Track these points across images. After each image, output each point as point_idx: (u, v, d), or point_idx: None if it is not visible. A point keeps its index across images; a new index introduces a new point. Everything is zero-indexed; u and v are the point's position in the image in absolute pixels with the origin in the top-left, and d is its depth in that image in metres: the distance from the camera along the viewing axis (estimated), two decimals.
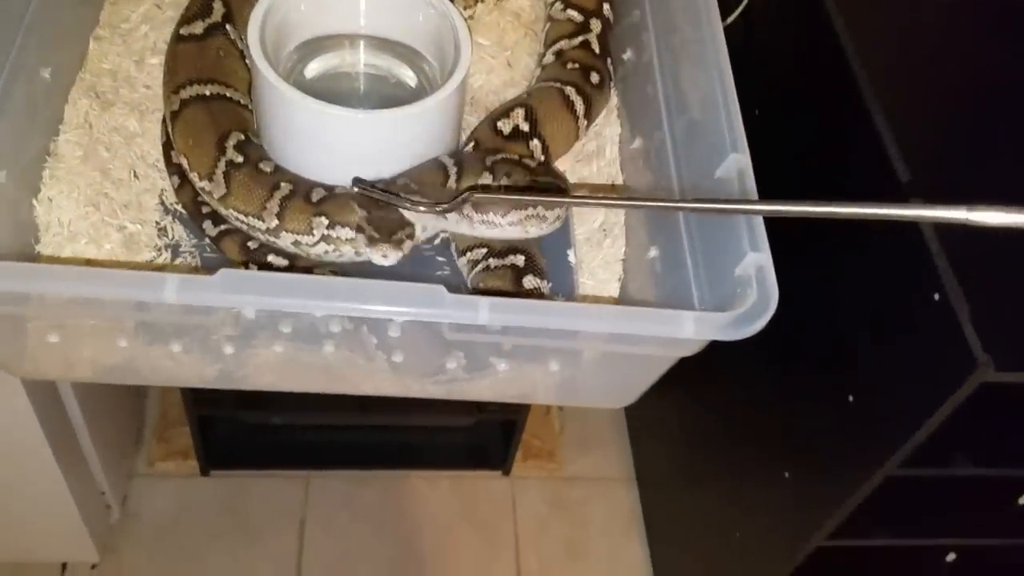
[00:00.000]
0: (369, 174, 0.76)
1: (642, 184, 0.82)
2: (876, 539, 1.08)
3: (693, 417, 1.48)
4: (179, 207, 0.80)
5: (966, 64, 1.02)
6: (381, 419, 1.68)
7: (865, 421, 0.95)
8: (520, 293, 0.74)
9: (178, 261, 0.77)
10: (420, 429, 1.73)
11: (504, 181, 0.78)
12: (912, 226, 0.84)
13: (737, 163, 0.67)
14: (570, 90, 0.86)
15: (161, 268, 0.76)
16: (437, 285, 0.57)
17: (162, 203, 0.80)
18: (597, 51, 0.90)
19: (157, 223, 0.79)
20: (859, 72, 0.94)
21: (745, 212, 0.62)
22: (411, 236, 0.70)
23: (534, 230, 0.74)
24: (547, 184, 0.76)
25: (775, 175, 0.73)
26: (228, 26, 0.82)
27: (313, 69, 0.85)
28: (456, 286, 0.75)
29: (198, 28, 0.80)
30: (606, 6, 0.94)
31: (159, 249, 0.77)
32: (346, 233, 0.73)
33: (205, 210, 0.78)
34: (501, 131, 0.82)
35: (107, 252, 0.75)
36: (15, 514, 1.39)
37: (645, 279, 0.78)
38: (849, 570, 1.18)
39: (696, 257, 0.70)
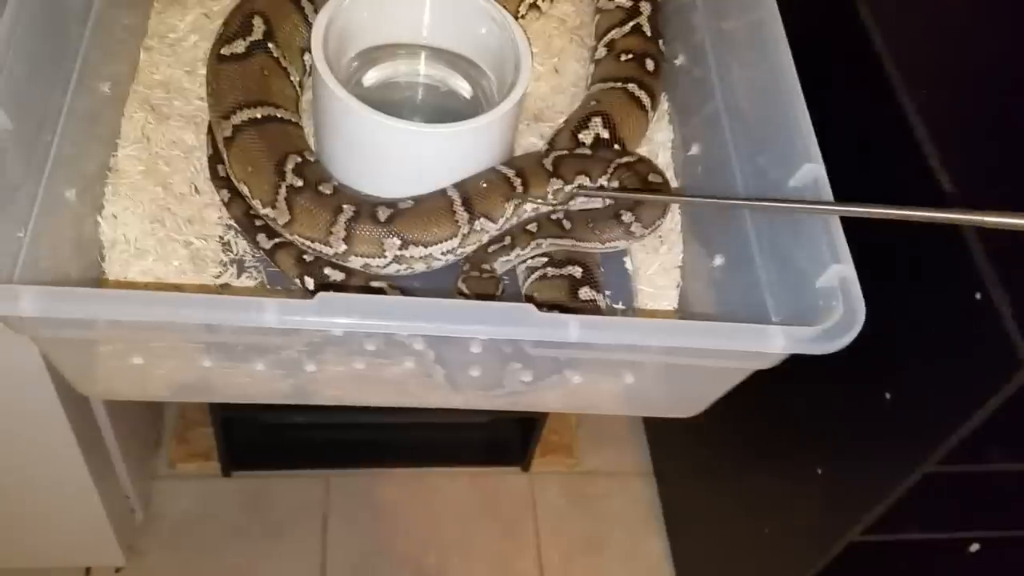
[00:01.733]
0: (427, 187, 0.76)
1: (703, 193, 0.83)
2: (909, 534, 1.09)
3: (712, 411, 1.50)
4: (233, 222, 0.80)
5: (1004, 59, 1.03)
6: (400, 417, 1.68)
7: (902, 419, 0.96)
8: (575, 305, 0.75)
9: (244, 276, 0.77)
10: (439, 426, 1.74)
11: (581, 180, 0.79)
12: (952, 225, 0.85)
13: (812, 173, 0.68)
14: (633, 87, 0.87)
15: (227, 285, 0.76)
16: (525, 304, 0.58)
17: (223, 217, 0.80)
18: (649, 34, 0.91)
19: (220, 238, 0.79)
20: (892, 71, 0.94)
21: (827, 212, 0.62)
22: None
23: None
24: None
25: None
26: (270, 43, 0.80)
27: (371, 78, 0.85)
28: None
29: (240, 47, 0.79)
30: None
31: (224, 264, 0.77)
32: (419, 252, 0.73)
33: (258, 223, 0.78)
34: (583, 142, 0.84)
35: (175, 269, 0.75)
36: (41, 519, 1.38)
37: (705, 287, 0.79)
38: (876, 563, 1.19)
39: (768, 267, 0.70)
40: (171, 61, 0.87)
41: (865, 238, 0.99)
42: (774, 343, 0.59)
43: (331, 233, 0.73)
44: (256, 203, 0.76)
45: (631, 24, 0.92)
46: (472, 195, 0.75)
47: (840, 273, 0.62)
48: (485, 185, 0.76)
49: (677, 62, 0.91)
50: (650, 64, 0.89)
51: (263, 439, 1.67)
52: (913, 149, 0.88)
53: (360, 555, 1.62)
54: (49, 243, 0.66)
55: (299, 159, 0.76)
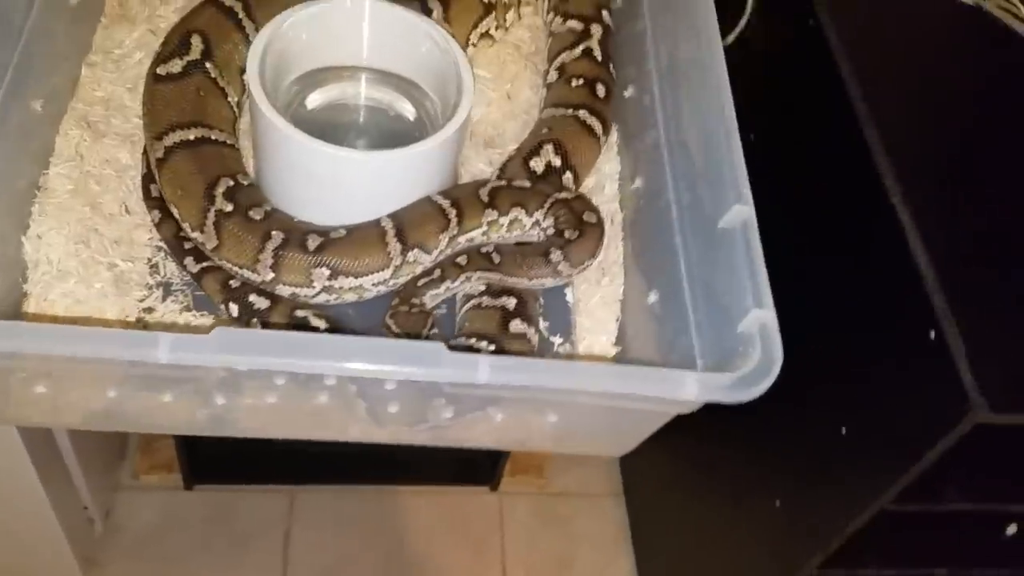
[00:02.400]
0: (365, 215, 0.75)
1: (642, 226, 0.82)
2: (867, 569, 1.08)
3: (683, 435, 1.48)
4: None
5: (965, 87, 1.02)
6: None
7: (857, 454, 0.94)
8: (505, 338, 0.74)
9: (169, 300, 0.76)
10: (407, 445, 1.72)
11: (517, 213, 0.78)
12: (907, 258, 0.83)
13: (741, 215, 0.66)
14: (583, 113, 0.86)
15: (150, 309, 0.75)
16: (436, 343, 0.57)
17: (154, 238, 0.79)
18: (599, 58, 0.90)
19: (149, 259, 0.77)
20: (858, 103, 0.93)
21: None
22: (436, 330, 0.72)
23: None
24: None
25: (770, 203, 0.72)
26: (208, 63, 0.79)
27: (314, 100, 0.84)
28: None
29: (176, 67, 0.78)
30: (605, 12, 0.94)
31: (150, 287, 0.76)
32: (349, 282, 0.72)
33: (188, 246, 0.76)
34: (534, 170, 0.83)
35: (97, 292, 0.73)
36: None
37: (644, 323, 0.78)
38: None
39: (697, 305, 0.69)
40: (114, 78, 0.86)
41: (824, 267, 0.99)
42: (687, 390, 0.57)
43: (258, 260, 0.72)
44: (186, 226, 0.75)
45: (581, 47, 0.91)
46: (406, 226, 0.74)
47: (760, 319, 0.61)
48: (419, 216, 0.75)
49: (627, 93, 0.89)
50: (601, 90, 0.88)
51: (227, 452, 1.66)
52: (874, 182, 0.87)
53: (323, 570, 1.60)
54: None
55: (231, 182, 0.75)
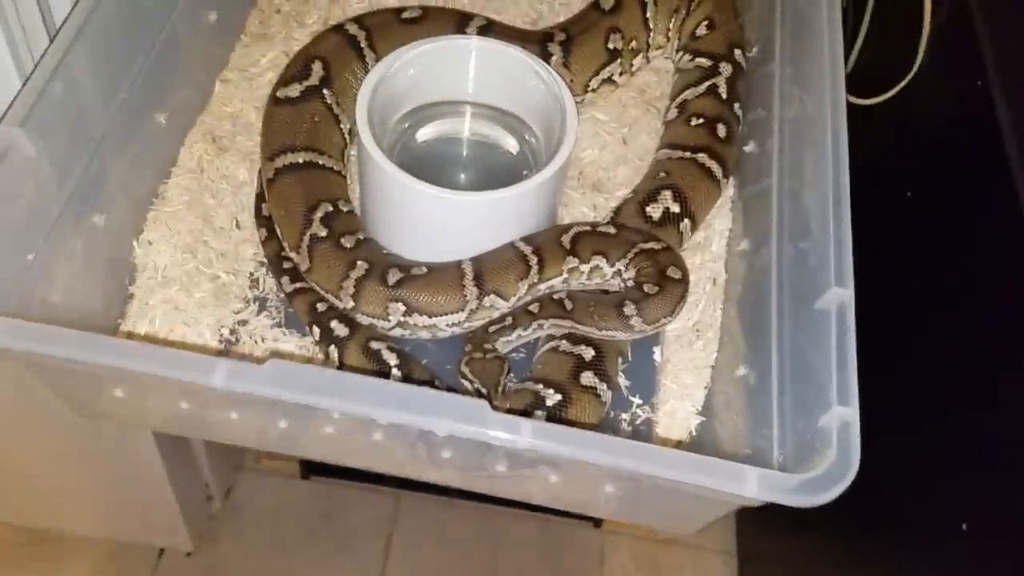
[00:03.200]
0: (462, 251, 0.75)
1: (743, 293, 0.77)
2: None
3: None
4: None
5: None
6: None
7: (977, 548, 0.85)
8: (574, 388, 0.71)
9: (263, 315, 0.78)
10: None
11: (598, 260, 0.76)
12: None
13: (838, 298, 0.61)
14: (703, 156, 0.83)
15: (244, 322, 0.77)
16: (481, 401, 0.55)
17: (258, 254, 0.82)
18: (724, 96, 0.87)
19: (251, 274, 0.80)
20: (1016, 161, 0.84)
21: None
22: (512, 376, 0.72)
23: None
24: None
25: (920, 262, 0.66)
26: (325, 89, 0.81)
27: (424, 134, 0.84)
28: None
29: (295, 91, 0.80)
30: (737, 51, 0.90)
31: (247, 301, 0.79)
32: (423, 320, 0.72)
33: (286, 265, 0.78)
34: (651, 216, 0.80)
35: (196, 301, 0.77)
36: (115, 495, 1.45)
37: (733, 396, 0.73)
38: None
39: (784, 387, 0.64)
40: (244, 95, 0.90)
41: (957, 330, 0.89)
42: (747, 487, 0.53)
43: (342, 287, 0.73)
44: (286, 245, 0.77)
45: (707, 84, 0.87)
46: (486, 271, 0.73)
47: (842, 417, 0.55)
48: (500, 262, 0.74)
49: (747, 148, 0.85)
50: (722, 130, 0.85)
51: None
52: None
53: None
54: (70, 267, 0.69)
55: (330, 208, 0.76)
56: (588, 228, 0.78)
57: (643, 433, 0.75)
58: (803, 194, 0.72)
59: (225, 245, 0.81)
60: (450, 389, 0.72)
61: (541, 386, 0.71)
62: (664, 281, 0.74)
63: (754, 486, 0.53)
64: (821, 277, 0.63)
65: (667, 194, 0.81)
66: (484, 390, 0.68)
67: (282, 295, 0.79)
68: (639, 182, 0.85)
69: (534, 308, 0.74)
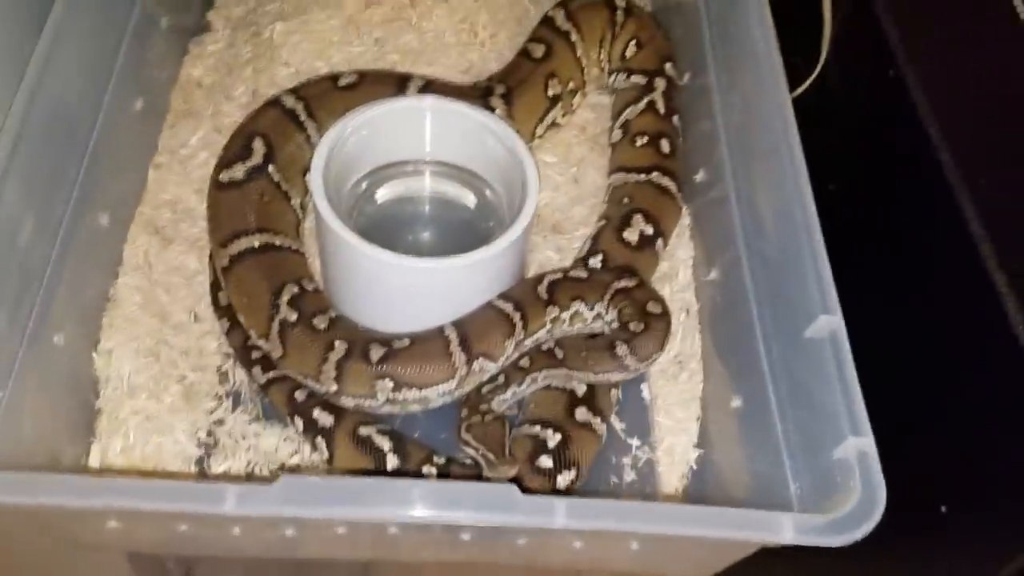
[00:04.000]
0: (431, 319, 0.73)
1: (721, 323, 0.78)
2: None
3: None
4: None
5: None
6: None
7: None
8: (570, 425, 0.71)
9: (239, 410, 0.75)
10: None
11: (577, 306, 0.76)
12: (1003, 321, 0.76)
13: (829, 325, 0.62)
14: (656, 176, 0.85)
15: (221, 421, 0.74)
16: (508, 485, 0.54)
17: (222, 345, 0.78)
18: (663, 111, 0.89)
19: (218, 368, 0.77)
20: (939, 143, 0.86)
21: None
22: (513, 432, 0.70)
23: None
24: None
25: (850, 252, 0.67)
26: (270, 167, 0.78)
27: (383, 195, 0.82)
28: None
29: (238, 172, 0.77)
30: (668, 64, 0.93)
31: (219, 398, 0.75)
32: (414, 394, 0.70)
33: (255, 355, 0.75)
34: (629, 241, 0.81)
35: (167, 406, 0.73)
36: None
37: (728, 427, 0.73)
38: None
39: (786, 416, 0.65)
40: (180, 180, 0.86)
41: (908, 318, 0.90)
42: (783, 534, 0.53)
43: (322, 371, 0.70)
44: (252, 334, 0.74)
45: (645, 100, 0.90)
46: (471, 335, 0.71)
47: (858, 447, 0.56)
48: (484, 324, 0.72)
49: (697, 177, 0.86)
50: (665, 145, 0.87)
51: None
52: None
53: None
54: (36, 396, 0.64)
55: (296, 289, 0.74)
56: (560, 275, 0.77)
57: (645, 474, 0.75)
58: (764, 215, 0.73)
59: (187, 342, 0.77)
60: (449, 460, 0.70)
61: (538, 428, 0.71)
62: (647, 318, 0.74)
63: (790, 532, 0.53)
64: (806, 305, 0.64)
65: (638, 217, 0.82)
66: (490, 455, 0.67)
67: (255, 386, 0.76)
68: (605, 209, 0.86)
69: (524, 363, 0.74)
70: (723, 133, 0.81)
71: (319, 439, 0.71)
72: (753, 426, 0.69)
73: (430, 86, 0.84)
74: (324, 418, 0.71)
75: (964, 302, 0.79)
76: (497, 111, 0.84)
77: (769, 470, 0.65)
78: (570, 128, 0.93)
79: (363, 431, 0.70)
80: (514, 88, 0.86)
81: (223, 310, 0.78)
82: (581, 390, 0.74)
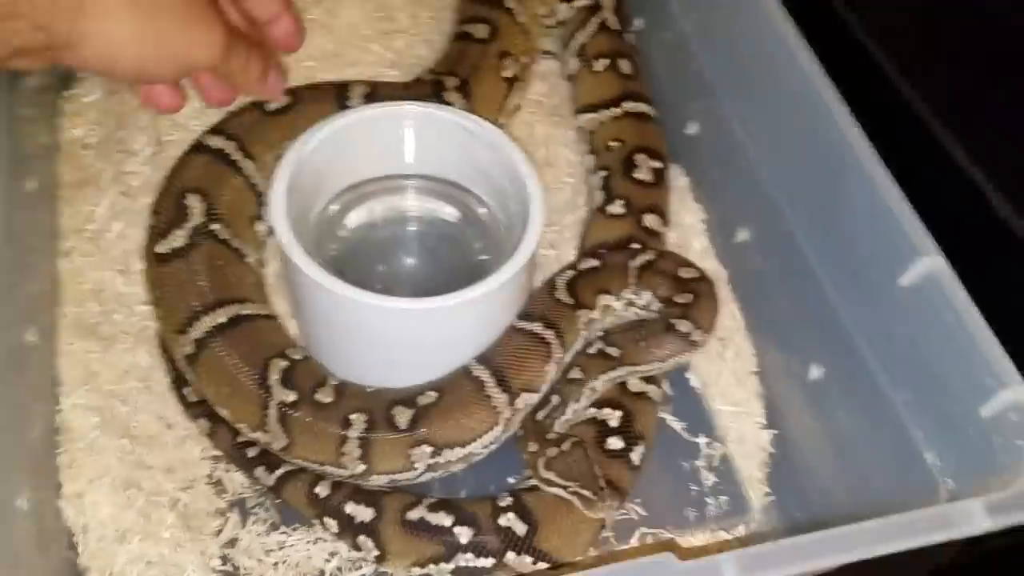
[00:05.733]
0: (441, 365, 0.62)
1: (767, 286, 0.70)
2: None
3: None
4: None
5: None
6: None
7: None
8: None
9: (250, 522, 0.62)
10: None
11: (605, 299, 0.67)
12: None
13: (930, 267, 0.54)
14: (630, 104, 0.79)
15: (234, 541, 0.61)
16: (664, 555, 0.44)
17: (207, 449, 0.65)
18: (615, 26, 0.83)
19: (209, 476, 0.64)
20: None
21: None
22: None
23: None
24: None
25: None
26: (214, 225, 0.65)
27: (354, 219, 0.70)
28: None
29: (179, 239, 0.64)
30: None
31: (223, 513, 0.62)
32: (457, 453, 0.60)
33: (252, 453, 0.63)
34: (644, 180, 0.75)
35: (168, 542, 0.59)
36: None
37: (804, 403, 0.66)
38: None
39: (897, 380, 0.57)
40: (97, 262, 0.71)
41: None
42: (974, 523, 0.46)
43: (343, 453, 0.59)
44: (243, 428, 0.61)
45: (595, 22, 0.83)
46: (505, 369, 0.61)
47: (1016, 398, 0.49)
48: (515, 352, 0.62)
49: (689, 131, 0.77)
50: (625, 66, 0.81)
51: None
52: None
53: None
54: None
55: (284, 363, 0.61)
56: (572, 272, 0.68)
57: (724, 473, 0.67)
58: (793, 153, 0.65)
59: (165, 456, 0.63)
60: (514, 494, 0.61)
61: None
62: (688, 284, 0.67)
63: (985, 519, 0.46)
64: (889, 248, 0.56)
65: (643, 156, 0.75)
66: (586, 492, 0.57)
67: (261, 488, 0.63)
68: (597, 158, 0.78)
69: (577, 375, 0.64)
70: (709, 71, 0.72)
71: (361, 538, 0.59)
72: (847, 396, 0.62)
73: (375, 92, 0.72)
74: (361, 512, 0.60)
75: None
76: (456, 104, 0.73)
77: (887, 443, 0.57)
78: (527, 106, 0.83)
79: (412, 515, 0.59)
80: (468, 77, 0.75)
81: (196, 407, 0.64)
82: (615, 420, 0.65)
